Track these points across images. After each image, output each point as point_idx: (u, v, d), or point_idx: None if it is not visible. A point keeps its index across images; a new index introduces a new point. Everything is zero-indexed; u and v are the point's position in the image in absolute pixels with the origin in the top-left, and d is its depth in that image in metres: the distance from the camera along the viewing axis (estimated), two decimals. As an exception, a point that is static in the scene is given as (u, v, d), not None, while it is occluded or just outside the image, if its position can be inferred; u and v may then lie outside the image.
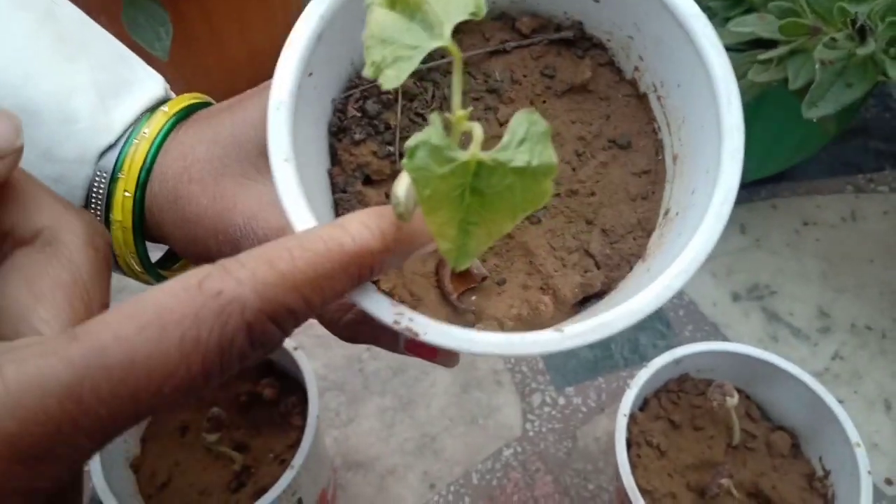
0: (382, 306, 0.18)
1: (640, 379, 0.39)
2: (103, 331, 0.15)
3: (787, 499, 0.38)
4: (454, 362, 0.25)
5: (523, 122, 0.16)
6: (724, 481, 0.37)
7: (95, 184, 0.25)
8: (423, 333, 0.18)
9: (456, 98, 0.17)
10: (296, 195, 0.19)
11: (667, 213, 0.23)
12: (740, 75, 0.42)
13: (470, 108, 0.18)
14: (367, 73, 0.17)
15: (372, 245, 0.17)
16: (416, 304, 0.19)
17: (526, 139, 0.16)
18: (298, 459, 0.37)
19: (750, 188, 0.62)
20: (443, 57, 0.24)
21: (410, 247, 0.18)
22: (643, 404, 0.41)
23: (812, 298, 0.55)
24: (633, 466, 0.38)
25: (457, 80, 0.17)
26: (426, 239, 0.18)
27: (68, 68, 0.25)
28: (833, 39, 0.35)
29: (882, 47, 0.34)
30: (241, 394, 0.43)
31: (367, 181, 0.23)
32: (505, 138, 0.16)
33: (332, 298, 0.17)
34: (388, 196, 0.23)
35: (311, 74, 0.21)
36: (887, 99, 0.68)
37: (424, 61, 0.18)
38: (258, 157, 0.25)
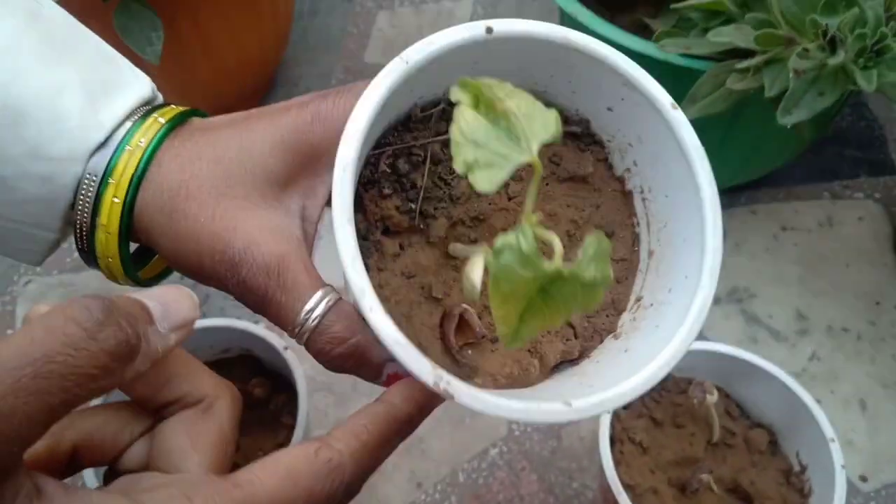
0: (424, 368, 0.21)
1: (623, 377, 0.40)
2: (255, 482, 0.21)
3: (766, 494, 0.39)
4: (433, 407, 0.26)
5: (594, 242, 0.19)
6: (705, 477, 0.38)
7: (84, 186, 0.25)
8: (457, 397, 0.21)
9: (529, 204, 0.19)
10: (354, 256, 0.21)
11: (639, 299, 0.26)
12: (719, 84, 0.44)
13: (539, 214, 0.20)
14: (458, 168, 0.19)
15: (413, 415, 0.24)
16: (423, 353, 0.21)
17: (594, 258, 0.19)
18: (288, 457, 0.38)
19: (730, 194, 0.64)
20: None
21: (431, 409, 0.24)
22: (626, 403, 0.42)
23: (790, 301, 0.57)
24: (617, 463, 0.39)
25: (532, 192, 0.19)
26: (438, 402, 0.24)
27: (56, 68, 0.25)
28: (806, 50, 0.37)
29: (851, 58, 0.35)
30: (231, 394, 0.44)
31: (386, 231, 0.25)
32: (580, 255, 0.19)
33: (393, 448, 0.25)
34: (401, 247, 0.25)
35: (370, 129, 0.23)
36: (862, 108, 0.70)
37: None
38: (265, 183, 0.25)
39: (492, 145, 0.19)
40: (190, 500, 0.20)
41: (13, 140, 0.24)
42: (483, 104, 0.19)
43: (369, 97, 0.22)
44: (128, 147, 0.25)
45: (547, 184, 0.26)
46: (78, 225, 0.26)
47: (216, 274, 0.25)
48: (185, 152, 0.26)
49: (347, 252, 0.21)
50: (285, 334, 0.25)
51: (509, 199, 0.26)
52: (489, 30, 0.23)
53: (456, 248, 0.26)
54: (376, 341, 0.22)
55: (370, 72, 0.76)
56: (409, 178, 0.25)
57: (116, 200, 0.25)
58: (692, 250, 0.24)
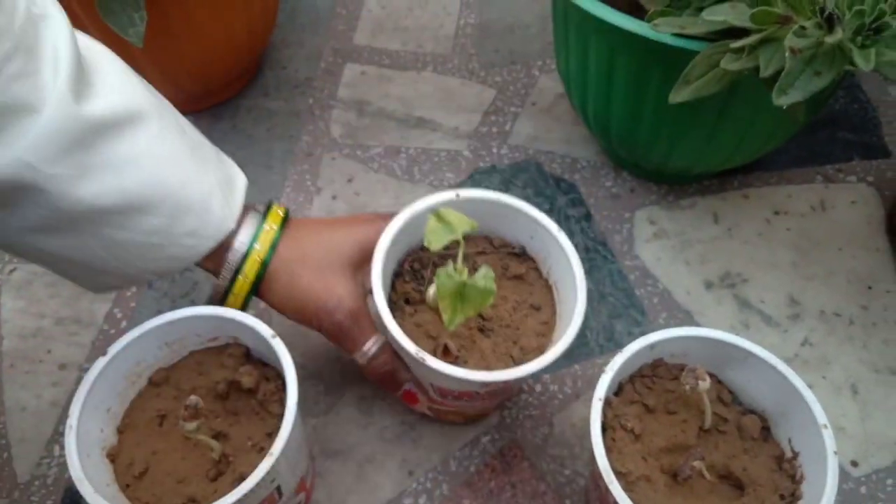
0: (411, 347, 0.40)
1: (615, 364, 0.39)
2: None
3: (758, 480, 0.39)
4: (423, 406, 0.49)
5: (485, 271, 0.38)
6: (697, 463, 0.38)
7: (229, 260, 0.43)
8: (426, 360, 0.40)
9: (460, 258, 0.39)
10: (384, 308, 0.41)
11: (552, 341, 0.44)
12: (713, 64, 0.43)
13: (462, 265, 0.39)
14: (426, 242, 0.39)
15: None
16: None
17: (484, 278, 0.38)
18: (277, 447, 0.37)
19: (722, 178, 0.63)
20: (444, 250, 0.42)
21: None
22: (618, 389, 0.42)
23: (783, 286, 0.57)
24: (609, 450, 0.39)
25: (461, 251, 0.39)
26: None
27: (204, 176, 0.40)
28: (802, 28, 0.36)
29: (849, 36, 0.35)
30: (220, 382, 0.43)
31: (407, 301, 0.45)
32: (476, 275, 0.38)
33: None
34: (415, 310, 0.45)
35: (392, 245, 0.43)
36: (856, 91, 0.70)
37: (446, 249, 0.40)
38: (348, 266, 0.43)
39: (441, 233, 0.38)
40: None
41: (179, 225, 0.39)
42: (441, 221, 0.39)
43: (388, 231, 0.43)
44: (268, 228, 0.44)
45: (499, 279, 0.45)
46: (226, 271, 0.43)
47: (318, 318, 0.43)
48: (299, 239, 0.44)
49: (382, 306, 0.41)
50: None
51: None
52: (457, 195, 0.45)
53: (429, 292, 0.44)
54: (404, 368, 0.45)
55: (361, 54, 0.78)
56: (420, 273, 0.46)
57: (258, 259, 0.43)
58: (572, 310, 0.42)
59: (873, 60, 0.34)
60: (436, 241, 0.38)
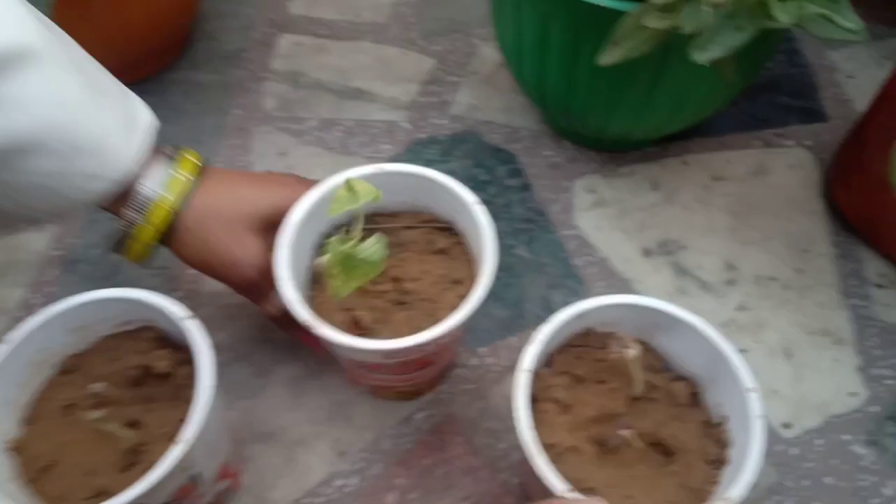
0: (303, 314, 0.39)
1: (542, 334, 0.38)
2: None
3: (686, 446, 0.38)
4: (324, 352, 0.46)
5: (373, 242, 0.38)
6: (624, 432, 0.37)
7: (131, 205, 0.41)
8: (314, 328, 0.39)
9: (357, 229, 0.38)
10: (283, 277, 0.40)
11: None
12: (642, 25, 0.42)
13: (359, 236, 0.38)
14: (329, 211, 0.38)
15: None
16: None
17: (372, 246, 0.38)
18: (187, 435, 0.35)
19: (662, 144, 0.62)
20: (372, 224, 0.45)
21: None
22: (549, 360, 0.41)
23: (720, 252, 0.56)
24: (538, 423, 0.38)
25: (358, 224, 0.38)
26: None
27: (100, 115, 0.38)
28: (724, -17, 0.35)
29: (770, -10, 0.34)
30: (131, 367, 0.41)
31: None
32: (364, 245, 0.38)
33: None
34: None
35: (309, 217, 0.43)
36: (795, 55, 0.69)
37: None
38: (260, 224, 0.43)
39: (344, 203, 0.37)
40: None
41: (73, 167, 0.37)
42: (350, 190, 0.37)
43: (301, 204, 0.43)
44: (180, 176, 0.42)
45: (424, 253, 0.45)
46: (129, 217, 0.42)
47: (223, 267, 0.43)
48: (214, 193, 0.43)
49: (281, 272, 0.40)
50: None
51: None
52: (380, 169, 0.44)
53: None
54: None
55: (296, 24, 0.74)
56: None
57: (167, 208, 0.41)
58: (485, 262, 0.41)
59: (794, 14, 0.33)
60: (336, 209, 0.37)
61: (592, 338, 0.41)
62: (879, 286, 0.54)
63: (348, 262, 0.37)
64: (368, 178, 0.42)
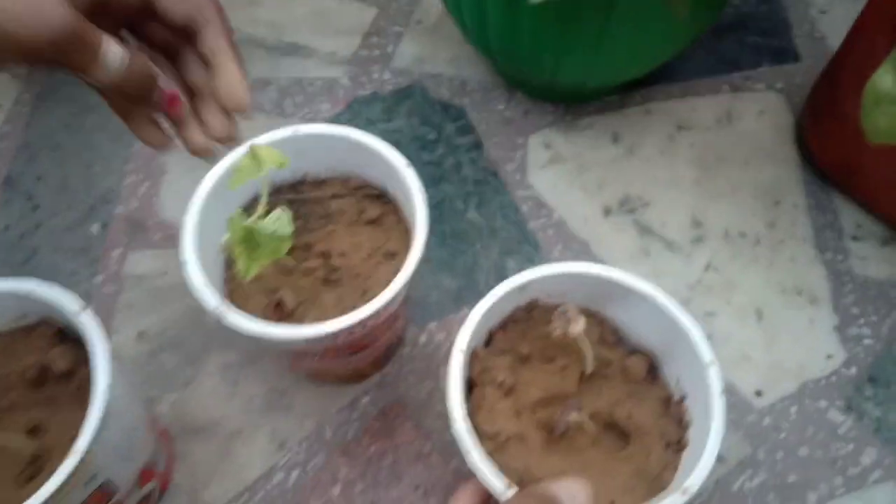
0: (210, 302, 0.35)
1: (479, 309, 0.34)
2: None
3: (643, 427, 0.35)
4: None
5: (277, 215, 0.34)
6: (573, 415, 0.33)
7: None
8: (222, 319, 0.35)
9: (262, 203, 0.33)
10: (189, 256, 0.36)
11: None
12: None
13: (263, 209, 0.33)
14: (229, 183, 0.35)
15: None
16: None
17: (276, 222, 0.34)
18: (80, 445, 0.31)
19: (622, 93, 0.58)
20: (296, 194, 0.42)
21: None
22: (489, 339, 0.37)
23: (685, 207, 0.52)
24: (477, 409, 0.34)
25: (264, 195, 0.34)
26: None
27: None
28: None
29: None
30: (30, 367, 0.37)
31: None
32: (266, 219, 0.33)
33: None
34: None
35: (213, 198, 0.38)
36: (766, -11, 0.64)
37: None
38: None
39: (246, 173, 0.33)
40: None
41: None
42: (255, 159, 0.33)
43: (207, 178, 0.38)
44: None
45: (355, 224, 0.41)
46: None
47: (24, 25, 0.27)
48: None
49: (188, 254, 0.36)
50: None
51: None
52: (296, 131, 0.40)
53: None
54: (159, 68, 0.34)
55: None
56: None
57: None
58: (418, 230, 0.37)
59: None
60: (237, 181, 0.32)
61: (538, 311, 0.37)
62: (856, 238, 0.51)
63: (251, 240, 0.33)
64: (280, 144, 0.38)
